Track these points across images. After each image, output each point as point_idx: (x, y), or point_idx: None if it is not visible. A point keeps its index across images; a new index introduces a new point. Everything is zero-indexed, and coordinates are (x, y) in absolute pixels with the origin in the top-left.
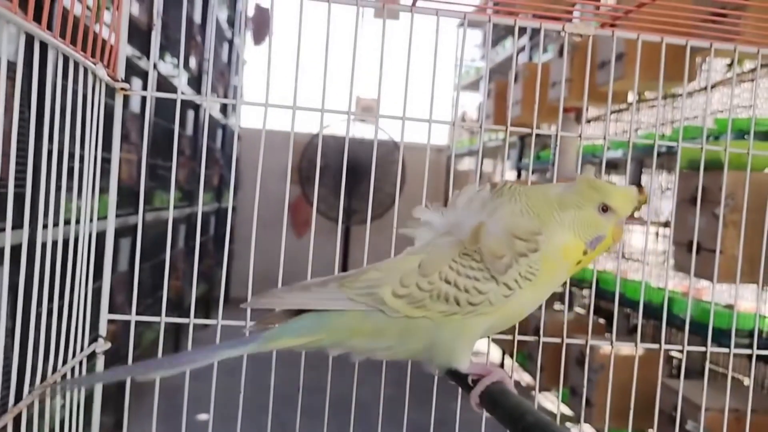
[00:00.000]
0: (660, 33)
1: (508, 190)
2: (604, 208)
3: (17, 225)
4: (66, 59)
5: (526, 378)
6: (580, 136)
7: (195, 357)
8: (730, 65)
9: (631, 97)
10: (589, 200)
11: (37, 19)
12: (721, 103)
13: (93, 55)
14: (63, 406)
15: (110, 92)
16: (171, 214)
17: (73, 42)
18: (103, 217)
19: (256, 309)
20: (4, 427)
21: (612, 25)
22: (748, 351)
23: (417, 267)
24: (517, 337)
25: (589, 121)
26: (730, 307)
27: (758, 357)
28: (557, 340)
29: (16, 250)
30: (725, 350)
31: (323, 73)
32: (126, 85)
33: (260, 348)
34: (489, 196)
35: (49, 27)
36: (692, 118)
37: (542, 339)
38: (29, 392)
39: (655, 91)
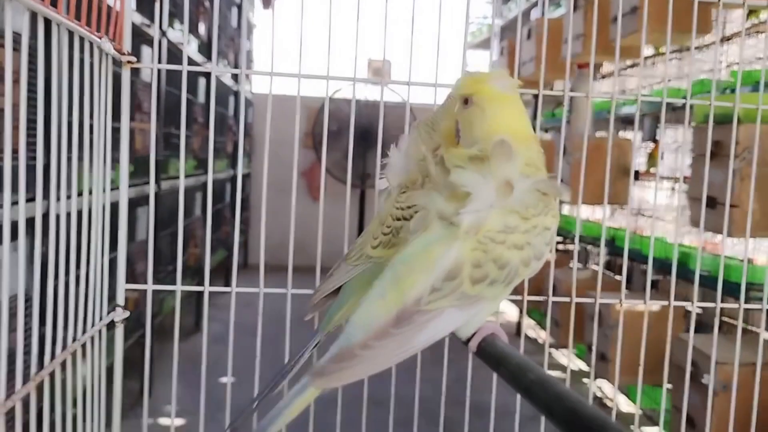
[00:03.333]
0: None
1: (414, 128)
2: (465, 101)
3: (31, 198)
4: (71, 34)
5: (543, 335)
6: (587, 95)
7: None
8: (749, 15)
9: (645, 51)
10: (453, 97)
11: None
12: (738, 55)
13: (98, 29)
14: (84, 376)
15: (118, 63)
16: (182, 183)
17: (78, 17)
18: (117, 187)
19: (272, 275)
20: (28, 395)
21: None
22: (757, 306)
23: (377, 222)
24: (527, 297)
25: (604, 77)
26: (749, 261)
27: None
28: (566, 299)
29: (31, 223)
30: (734, 305)
31: (328, 40)
32: (132, 58)
33: (324, 333)
34: (403, 148)
35: (54, 3)
36: (708, 71)
37: (551, 298)
38: (51, 360)
39: (671, 44)
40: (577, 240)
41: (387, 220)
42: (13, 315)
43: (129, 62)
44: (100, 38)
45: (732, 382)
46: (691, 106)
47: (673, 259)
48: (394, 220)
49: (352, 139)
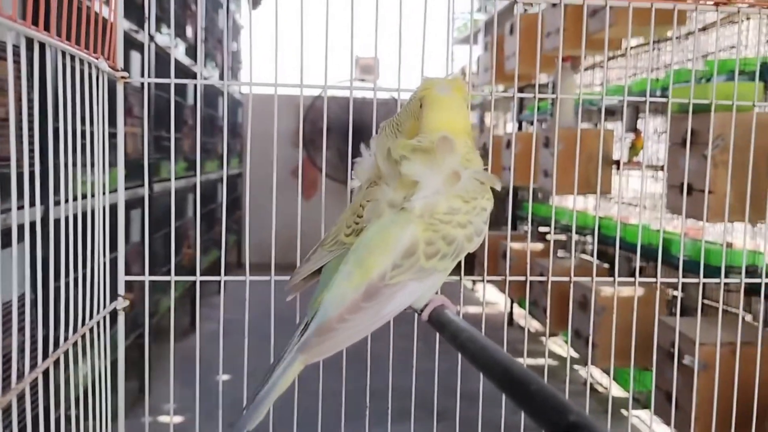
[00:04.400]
0: None
1: (383, 129)
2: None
3: (34, 202)
4: (72, 57)
5: (534, 324)
6: (556, 96)
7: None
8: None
9: (624, 43)
10: (419, 92)
11: (36, 23)
12: (714, 45)
13: (95, 50)
14: (86, 375)
15: (113, 77)
16: (173, 185)
17: (78, 41)
18: (113, 190)
19: (257, 269)
20: (35, 380)
21: None
22: (736, 280)
23: (349, 212)
24: (508, 278)
25: (586, 69)
26: (728, 245)
27: (752, 291)
28: (543, 278)
29: (34, 225)
30: (695, 280)
31: (300, 48)
32: (125, 74)
33: (312, 313)
34: (371, 145)
35: (47, 28)
36: (681, 61)
37: (529, 278)
38: (65, 341)
39: (647, 35)
40: (552, 228)
41: (358, 210)
42: (21, 311)
43: (123, 78)
44: (97, 59)
45: (712, 362)
46: (667, 96)
47: (637, 239)
48: (363, 208)
49: (325, 138)
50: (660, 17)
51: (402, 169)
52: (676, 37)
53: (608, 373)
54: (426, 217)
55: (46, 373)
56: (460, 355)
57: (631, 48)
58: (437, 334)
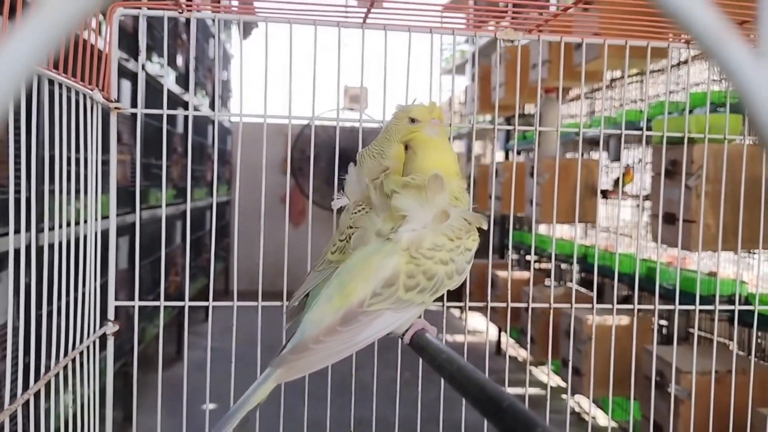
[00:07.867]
0: (622, 36)
1: (362, 156)
2: (412, 120)
3: (29, 228)
4: (68, 89)
5: (522, 353)
6: (536, 128)
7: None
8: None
9: (609, 75)
10: (400, 119)
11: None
12: (697, 78)
13: (89, 82)
14: (74, 400)
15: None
16: (164, 212)
17: (74, 74)
18: (104, 216)
19: (244, 296)
20: (30, 399)
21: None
22: (710, 307)
23: (336, 232)
24: (490, 304)
25: (572, 100)
26: (712, 274)
27: (733, 319)
28: (523, 305)
29: (28, 249)
30: (670, 307)
31: (289, 81)
32: (119, 105)
33: (296, 337)
34: (356, 168)
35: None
36: (654, 96)
37: (510, 304)
38: (56, 364)
39: (630, 68)
40: (532, 255)
41: (344, 230)
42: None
43: (116, 108)
44: (92, 90)
45: (696, 390)
46: (651, 128)
47: (624, 268)
48: (347, 228)
49: (313, 166)
50: (640, 52)
51: (392, 202)
52: (657, 71)
53: (594, 403)
54: (411, 250)
55: (36, 396)
56: (442, 385)
57: (617, 80)
58: (420, 364)
